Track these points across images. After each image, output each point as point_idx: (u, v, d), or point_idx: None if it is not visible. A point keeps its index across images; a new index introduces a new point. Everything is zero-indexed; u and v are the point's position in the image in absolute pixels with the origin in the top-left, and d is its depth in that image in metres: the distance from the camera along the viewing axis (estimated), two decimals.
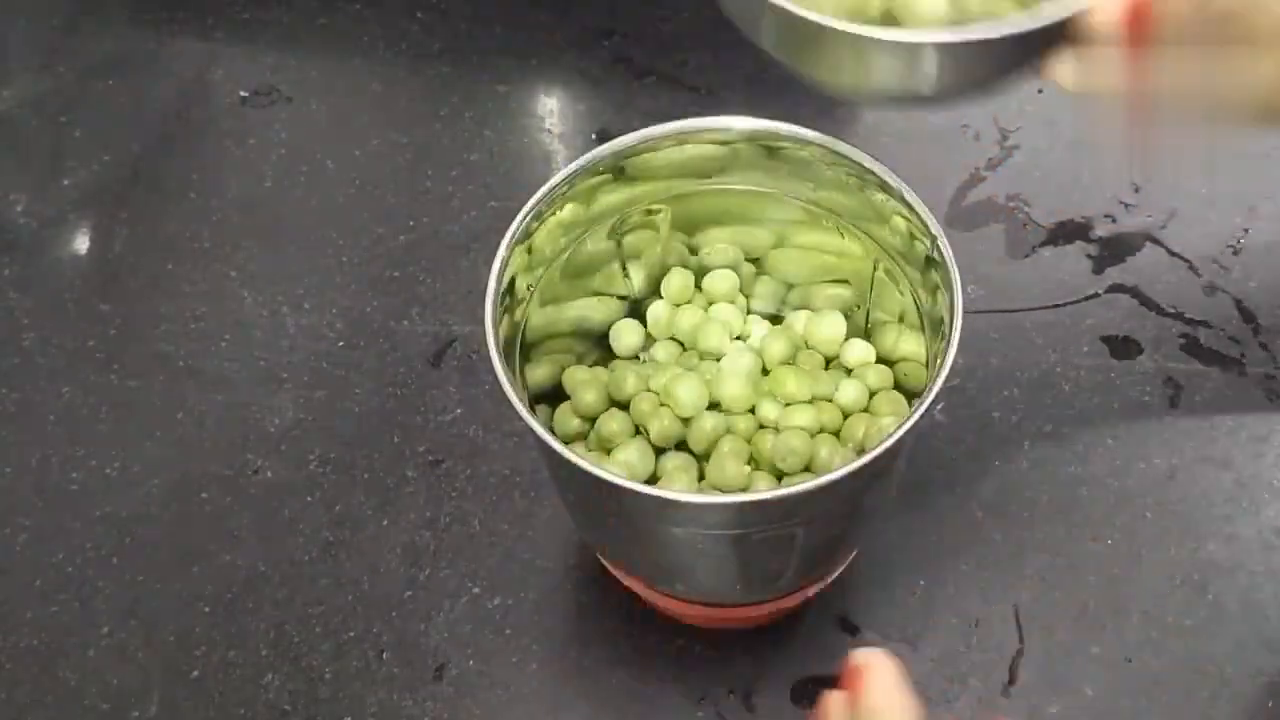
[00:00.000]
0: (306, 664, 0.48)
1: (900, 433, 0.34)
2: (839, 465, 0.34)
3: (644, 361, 0.46)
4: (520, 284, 0.40)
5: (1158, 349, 0.55)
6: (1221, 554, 0.49)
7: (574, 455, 0.34)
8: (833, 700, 0.31)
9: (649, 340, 0.46)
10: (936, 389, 0.34)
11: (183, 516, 0.52)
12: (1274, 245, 0.58)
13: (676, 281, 0.46)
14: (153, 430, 0.55)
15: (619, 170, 0.41)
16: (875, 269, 0.43)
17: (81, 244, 0.62)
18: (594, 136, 0.64)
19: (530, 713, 0.46)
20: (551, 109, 0.67)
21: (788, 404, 0.42)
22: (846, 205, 0.42)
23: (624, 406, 0.43)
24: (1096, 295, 0.57)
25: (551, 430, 0.39)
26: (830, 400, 0.42)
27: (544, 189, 0.40)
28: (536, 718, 0.46)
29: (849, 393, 0.42)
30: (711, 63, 0.68)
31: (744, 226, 0.45)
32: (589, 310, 0.46)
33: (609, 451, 0.42)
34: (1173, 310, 0.56)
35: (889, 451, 0.34)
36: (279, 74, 0.68)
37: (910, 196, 0.38)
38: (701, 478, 0.41)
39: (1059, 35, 0.33)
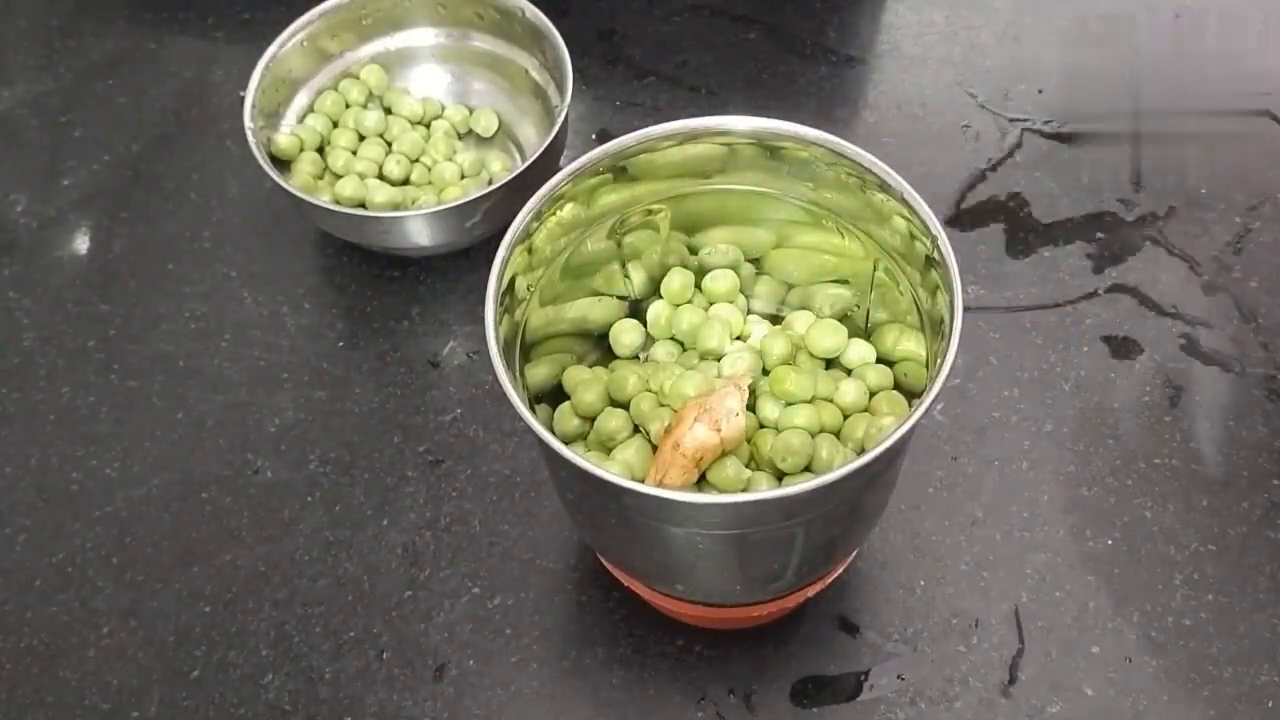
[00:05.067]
0: (306, 664, 0.48)
1: (900, 433, 0.34)
2: (839, 465, 0.34)
3: (644, 361, 0.46)
4: (520, 284, 0.40)
5: (1158, 349, 0.55)
6: (1221, 554, 0.49)
7: (574, 455, 0.34)
8: None
9: (649, 340, 0.46)
10: (936, 389, 0.34)
11: (183, 516, 0.52)
12: (1274, 245, 0.58)
13: (676, 281, 0.46)
14: (153, 430, 0.55)
15: (619, 170, 0.41)
16: (875, 269, 0.43)
17: (81, 244, 0.62)
18: (594, 137, 0.64)
19: (530, 713, 0.46)
20: None
21: (788, 404, 0.42)
22: (846, 205, 0.42)
23: (624, 406, 0.43)
24: (1096, 295, 0.57)
25: (551, 430, 0.39)
26: (830, 400, 0.42)
27: (544, 189, 0.40)
28: (536, 718, 0.46)
29: (849, 393, 0.42)
30: (711, 63, 0.68)
31: (744, 226, 0.45)
32: (589, 310, 0.46)
33: (609, 451, 0.42)
34: (1173, 310, 0.56)
35: (889, 451, 0.34)
36: None
37: (910, 196, 0.38)
38: (702, 478, 0.41)
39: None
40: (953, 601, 0.48)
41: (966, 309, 0.36)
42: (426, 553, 0.50)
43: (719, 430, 0.38)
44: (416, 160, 0.61)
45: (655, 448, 0.41)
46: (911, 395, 0.43)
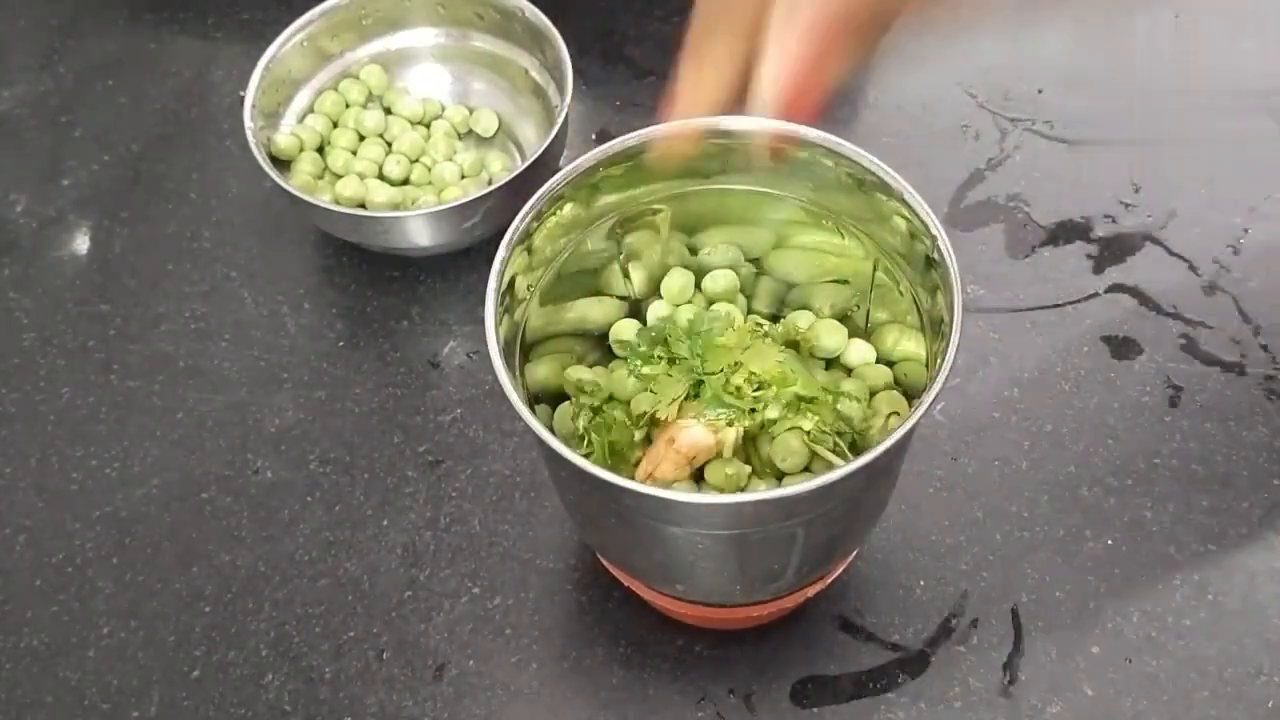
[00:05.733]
0: (306, 664, 0.48)
1: (900, 433, 0.34)
2: (839, 465, 0.34)
3: None
4: (520, 284, 0.40)
5: (1158, 349, 0.55)
6: (1221, 554, 0.49)
7: (574, 455, 0.34)
8: None
9: None
10: (936, 389, 0.34)
11: (183, 516, 0.52)
12: (1274, 245, 0.58)
13: (676, 281, 0.46)
14: (153, 430, 0.55)
15: (619, 170, 0.41)
16: (875, 269, 0.43)
17: (81, 244, 0.62)
18: (594, 137, 0.64)
19: (530, 713, 0.46)
20: None
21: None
22: (846, 205, 0.42)
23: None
24: (1096, 295, 0.57)
25: (551, 430, 0.39)
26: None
27: (544, 189, 0.40)
28: (536, 718, 0.46)
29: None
30: None
31: (744, 226, 0.45)
32: (589, 310, 0.46)
33: None
34: (1173, 310, 0.56)
35: (889, 451, 0.34)
36: None
37: (910, 196, 0.38)
38: (700, 478, 0.41)
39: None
40: (953, 601, 0.48)
41: (966, 309, 0.36)
42: (426, 553, 0.50)
43: (715, 432, 0.38)
44: (416, 160, 0.61)
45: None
46: (911, 395, 0.43)
